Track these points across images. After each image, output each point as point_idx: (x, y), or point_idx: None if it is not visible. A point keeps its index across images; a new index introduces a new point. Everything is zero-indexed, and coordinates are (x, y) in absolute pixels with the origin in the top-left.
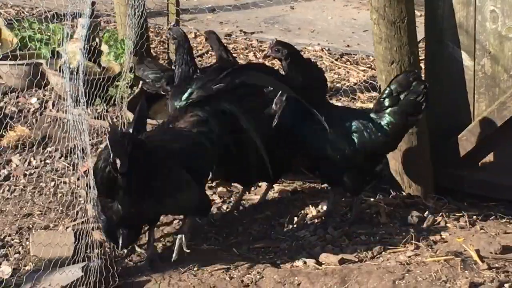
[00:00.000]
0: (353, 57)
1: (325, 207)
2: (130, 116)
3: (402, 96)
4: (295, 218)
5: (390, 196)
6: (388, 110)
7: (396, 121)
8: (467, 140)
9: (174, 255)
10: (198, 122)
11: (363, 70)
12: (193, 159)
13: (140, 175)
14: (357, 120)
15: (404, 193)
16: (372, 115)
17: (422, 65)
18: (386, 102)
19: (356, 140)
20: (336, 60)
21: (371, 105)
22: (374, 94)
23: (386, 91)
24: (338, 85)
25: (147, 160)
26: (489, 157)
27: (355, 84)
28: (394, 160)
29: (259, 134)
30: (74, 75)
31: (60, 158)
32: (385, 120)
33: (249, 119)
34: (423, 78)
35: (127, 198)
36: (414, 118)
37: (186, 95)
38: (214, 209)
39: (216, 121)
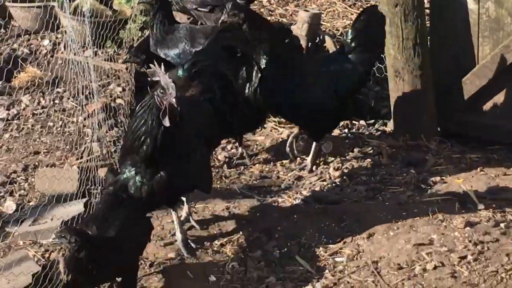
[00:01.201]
0: (367, 4)
1: (327, 148)
2: None
3: (365, 33)
4: (298, 159)
5: (393, 138)
6: (359, 48)
7: (368, 56)
8: (471, 84)
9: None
10: (204, 90)
11: None
12: (206, 128)
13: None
14: (330, 66)
15: (407, 136)
16: (343, 57)
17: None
18: (355, 42)
19: (332, 85)
20: (350, 6)
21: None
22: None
23: (351, 31)
24: None
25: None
26: (493, 101)
27: None
28: (399, 103)
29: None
30: (86, 18)
31: (68, 98)
32: (359, 57)
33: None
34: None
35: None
36: (381, 49)
37: (189, 64)
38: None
39: (218, 86)
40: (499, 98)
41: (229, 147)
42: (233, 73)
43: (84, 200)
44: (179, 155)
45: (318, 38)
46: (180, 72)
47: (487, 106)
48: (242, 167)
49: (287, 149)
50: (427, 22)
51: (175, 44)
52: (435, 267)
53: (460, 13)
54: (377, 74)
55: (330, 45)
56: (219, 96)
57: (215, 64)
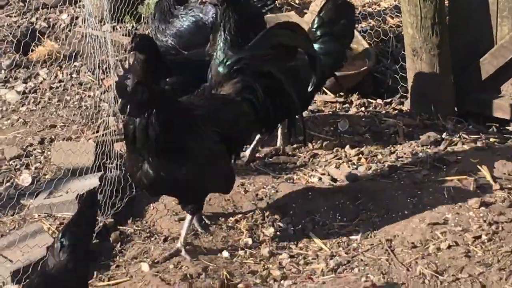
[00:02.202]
0: None
1: (344, 126)
2: None
3: (334, 22)
4: (313, 137)
5: (410, 117)
6: (323, 39)
7: (334, 47)
8: (489, 63)
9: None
10: (243, 89)
11: None
12: (233, 129)
13: (170, 135)
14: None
15: (423, 115)
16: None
17: None
18: (320, 31)
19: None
20: None
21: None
22: None
23: (317, 21)
24: (369, 9)
25: (179, 121)
26: (510, 81)
27: (386, 9)
28: (416, 82)
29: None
30: None
31: (86, 72)
32: (323, 48)
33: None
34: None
35: (156, 159)
36: (348, 41)
37: (232, 60)
38: None
39: (261, 87)
40: None
41: None
42: (284, 73)
43: (100, 174)
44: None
45: None
46: (220, 68)
47: (505, 86)
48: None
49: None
50: (446, 1)
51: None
52: (449, 247)
53: None
54: (395, 53)
55: None
56: (261, 96)
57: (262, 62)
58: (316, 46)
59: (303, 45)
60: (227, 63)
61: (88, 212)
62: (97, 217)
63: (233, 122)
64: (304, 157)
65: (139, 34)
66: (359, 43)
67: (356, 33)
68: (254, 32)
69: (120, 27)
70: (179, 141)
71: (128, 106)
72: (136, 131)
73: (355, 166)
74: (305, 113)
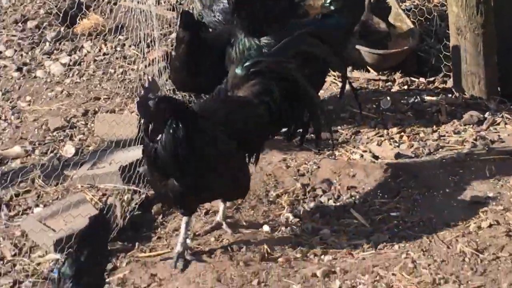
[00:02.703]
0: None
1: (386, 104)
2: None
3: None
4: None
5: (453, 96)
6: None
7: (346, 21)
8: None
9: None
10: (261, 91)
11: None
12: (248, 133)
13: (195, 150)
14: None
15: (467, 94)
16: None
17: None
18: (333, 5)
19: None
20: None
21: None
22: None
23: None
24: None
25: (201, 133)
26: None
27: None
28: (460, 61)
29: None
30: None
31: (130, 46)
32: (337, 22)
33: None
34: None
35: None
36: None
37: (251, 62)
38: None
39: (279, 90)
40: None
41: None
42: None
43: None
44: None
45: None
46: (238, 70)
47: None
48: None
49: None
50: None
51: None
52: (490, 225)
53: None
54: (439, 31)
55: (393, 1)
56: (280, 101)
57: (282, 66)
58: (330, 20)
59: (334, 64)
60: (246, 65)
61: (95, 235)
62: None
63: (249, 125)
64: (346, 134)
65: (185, 12)
66: (403, 22)
67: (400, 11)
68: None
69: (164, 2)
70: (202, 153)
71: (151, 126)
72: (162, 151)
73: (397, 144)
74: None
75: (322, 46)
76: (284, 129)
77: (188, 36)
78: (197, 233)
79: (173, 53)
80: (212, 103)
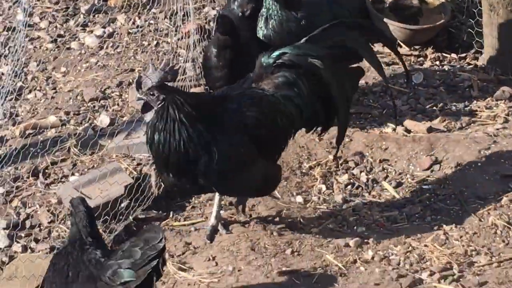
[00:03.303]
0: None
1: (418, 79)
2: None
3: None
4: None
5: (484, 72)
6: None
7: None
8: None
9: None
10: (285, 84)
11: None
12: (269, 128)
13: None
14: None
15: (498, 70)
16: None
17: None
18: None
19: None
20: None
21: None
22: None
23: None
24: None
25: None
26: None
27: None
28: (492, 37)
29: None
30: None
31: (163, 19)
32: None
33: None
34: None
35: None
36: None
37: (277, 53)
38: None
39: (306, 84)
40: None
41: None
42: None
43: None
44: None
45: None
46: (263, 59)
47: None
48: None
49: None
50: None
51: None
52: None
53: None
54: (471, 8)
55: None
56: (304, 95)
57: (308, 58)
58: None
59: (375, 64)
60: (271, 55)
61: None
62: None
63: (269, 120)
64: (378, 107)
65: (222, 15)
66: None
67: None
68: None
69: None
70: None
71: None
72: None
73: (429, 118)
74: None
75: (360, 40)
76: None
77: (228, 41)
78: (231, 203)
79: (211, 54)
80: (232, 92)
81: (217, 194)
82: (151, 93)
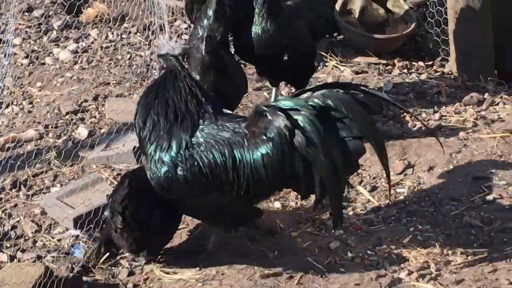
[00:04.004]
0: None
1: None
2: None
3: None
4: None
5: (452, 78)
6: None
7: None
8: None
9: None
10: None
11: None
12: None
13: None
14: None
15: (465, 77)
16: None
17: None
18: None
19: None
20: None
21: None
22: None
23: None
24: None
25: None
26: None
27: None
28: (458, 44)
29: None
30: None
31: (135, 33)
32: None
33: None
34: None
35: None
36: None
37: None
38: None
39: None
40: None
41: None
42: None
43: None
44: None
45: None
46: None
47: None
48: None
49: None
50: None
51: None
52: (494, 199)
53: None
54: (436, 17)
55: None
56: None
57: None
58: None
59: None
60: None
61: None
62: None
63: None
64: None
65: (209, 36)
66: (401, 7)
67: None
68: None
69: None
70: None
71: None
72: None
73: (400, 124)
74: None
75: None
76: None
77: (215, 61)
78: None
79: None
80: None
81: None
82: (159, 60)
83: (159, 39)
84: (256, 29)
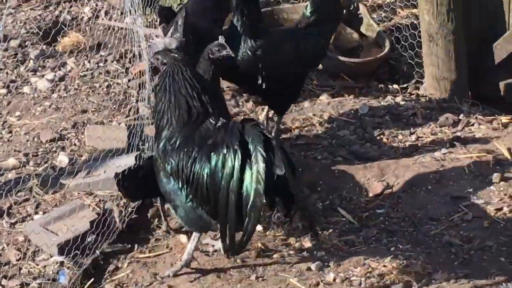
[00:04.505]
0: None
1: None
2: None
3: (325, 5)
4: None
5: (426, 100)
6: (316, 22)
7: (326, 29)
8: (501, 48)
9: None
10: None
11: None
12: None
13: None
14: (292, 35)
15: (440, 98)
16: (304, 30)
17: None
18: (313, 15)
19: (296, 56)
20: None
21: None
22: (414, 10)
23: (310, 4)
24: (379, 1)
25: None
26: None
27: (395, 0)
28: (432, 67)
29: None
30: None
31: (112, 61)
32: (317, 30)
33: None
34: None
35: None
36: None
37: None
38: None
39: None
40: None
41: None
42: None
43: (135, 153)
44: None
45: (352, 6)
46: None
47: None
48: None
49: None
50: None
51: None
52: (473, 218)
53: None
54: (410, 40)
55: (364, 12)
56: None
57: None
58: (312, 29)
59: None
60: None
61: None
62: None
63: None
64: (328, 137)
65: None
66: (375, 31)
67: (371, 21)
68: None
69: (142, 19)
70: None
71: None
72: None
73: (377, 146)
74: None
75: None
76: None
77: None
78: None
79: None
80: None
81: (194, 237)
82: (157, 57)
83: (152, 40)
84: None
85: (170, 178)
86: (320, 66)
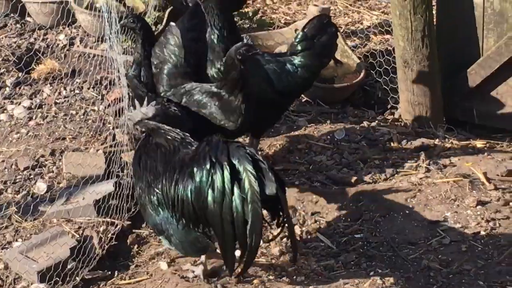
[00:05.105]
0: (367, 3)
1: (340, 135)
2: None
3: (316, 39)
4: (313, 145)
5: (402, 125)
6: (303, 53)
7: (311, 63)
8: (476, 74)
9: None
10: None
11: (376, 15)
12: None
13: None
14: (275, 63)
15: (415, 123)
16: (288, 58)
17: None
18: (301, 46)
19: (274, 81)
20: (350, 5)
21: (385, 46)
22: (387, 36)
23: (300, 35)
24: (352, 27)
25: None
26: (496, 90)
27: (368, 27)
28: (407, 92)
29: None
30: (101, 14)
31: (88, 88)
32: (301, 62)
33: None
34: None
35: None
36: (327, 60)
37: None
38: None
39: None
40: (503, 88)
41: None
42: None
43: (114, 180)
44: None
45: None
46: None
47: (491, 95)
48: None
49: None
50: (434, 15)
51: None
52: (450, 242)
53: (466, 6)
54: (384, 66)
55: (339, 39)
56: None
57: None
58: (296, 59)
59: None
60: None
61: None
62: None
63: None
64: (305, 162)
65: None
66: (350, 58)
67: (346, 47)
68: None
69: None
70: None
71: None
72: None
73: (354, 171)
74: None
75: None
76: None
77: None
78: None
79: None
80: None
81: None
82: (136, 127)
83: (128, 111)
84: (211, 71)
85: (158, 208)
86: None
